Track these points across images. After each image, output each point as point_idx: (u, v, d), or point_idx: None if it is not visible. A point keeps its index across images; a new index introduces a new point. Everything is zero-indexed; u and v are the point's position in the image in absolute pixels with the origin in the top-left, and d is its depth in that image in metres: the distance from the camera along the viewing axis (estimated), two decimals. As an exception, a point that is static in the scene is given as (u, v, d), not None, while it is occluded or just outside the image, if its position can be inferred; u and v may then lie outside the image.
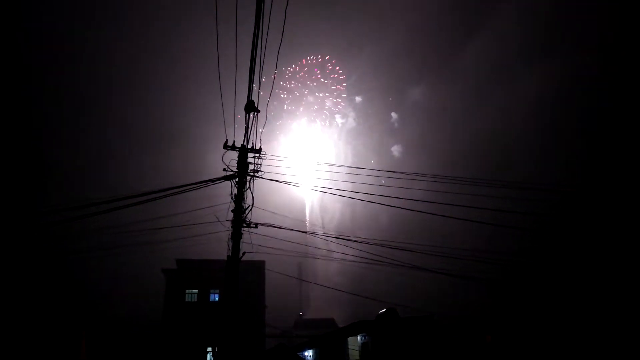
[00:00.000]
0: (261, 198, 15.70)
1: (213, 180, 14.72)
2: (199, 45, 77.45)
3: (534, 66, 72.53)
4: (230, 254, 14.64)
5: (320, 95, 77.63)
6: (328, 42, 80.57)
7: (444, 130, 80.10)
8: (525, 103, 70.17)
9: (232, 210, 14.94)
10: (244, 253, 14.77)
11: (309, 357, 39.50)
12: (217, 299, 44.10)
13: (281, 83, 77.49)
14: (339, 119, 79.80)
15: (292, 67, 77.43)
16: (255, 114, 13.87)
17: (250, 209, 15.03)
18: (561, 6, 70.31)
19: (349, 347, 33.57)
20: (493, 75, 78.30)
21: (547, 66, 69.70)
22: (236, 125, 15.09)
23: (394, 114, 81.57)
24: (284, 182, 16.31)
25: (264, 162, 15.64)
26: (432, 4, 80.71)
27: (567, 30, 70.50)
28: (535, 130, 69.00)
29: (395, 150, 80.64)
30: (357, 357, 32.38)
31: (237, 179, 14.92)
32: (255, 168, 15.49)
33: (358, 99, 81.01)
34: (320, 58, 77.84)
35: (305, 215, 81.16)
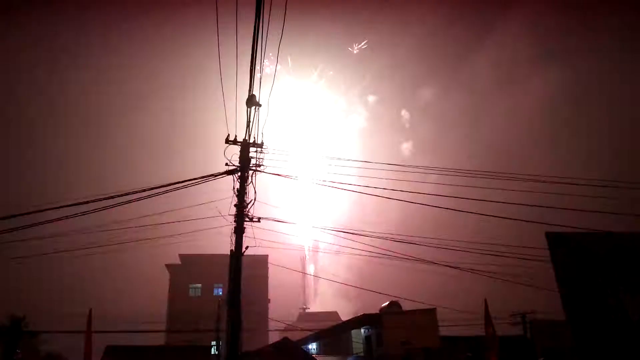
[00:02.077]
0: (264, 192, 15.69)
1: (215, 175, 14.71)
2: (199, 41, 77.24)
3: (544, 69, 73.31)
4: (233, 249, 14.65)
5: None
6: (342, 42, 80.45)
7: (454, 130, 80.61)
8: (535, 105, 70.77)
9: (235, 205, 14.92)
10: (247, 247, 14.76)
11: (313, 351, 39.63)
12: (220, 293, 44.25)
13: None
14: (352, 118, 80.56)
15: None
16: (257, 108, 13.83)
17: (253, 203, 15.02)
18: (570, 11, 71.11)
19: (353, 339, 33.68)
20: (504, 78, 79.03)
21: (556, 69, 70.53)
22: (237, 120, 15.04)
23: (404, 113, 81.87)
24: (286, 177, 16.30)
25: (267, 156, 15.61)
26: (445, 8, 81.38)
27: (576, 35, 71.61)
28: (545, 131, 69.69)
29: (406, 148, 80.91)
30: (361, 350, 32.49)
31: (239, 174, 14.90)
32: (257, 162, 15.46)
33: (371, 97, 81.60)
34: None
35: (308, 211, 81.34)
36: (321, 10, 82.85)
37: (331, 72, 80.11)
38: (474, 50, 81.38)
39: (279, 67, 77.34)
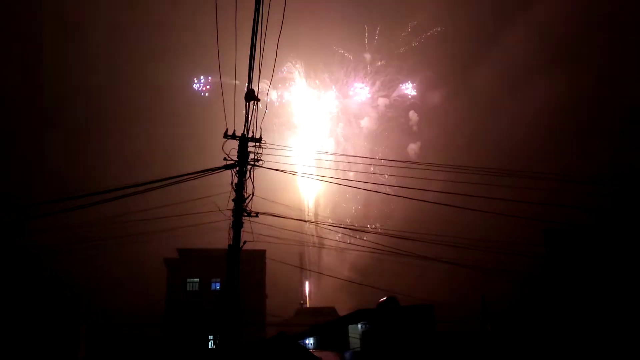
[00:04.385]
0: (263, 187, 15.65)
1: (213, 170, 14.68)
2: (197, 35, 76.92)
3: (552, 74, 74.21)
4: (231, 243, 14.63)
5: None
6: (354, 48, 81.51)
7: (461, 133, 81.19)
8: (542, 109, 71.44)
9: (233, 200, 14.90)
10: (244, 242, 14.76)
11: (310, 345, 39.71)
12: (218, 287, 44.30)
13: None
14: (364, 122, 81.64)
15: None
16: (256, 102, 13.80)
17: (251, 198, 14.99)
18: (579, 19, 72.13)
19: (350, 335, 33.75)
20: (512, 82, 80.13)
21: (564, 75, 71.52)
22: (236, 115, 15.00)
23: (412, 114, 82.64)
24: (285, 171, 16.28)
25: (265, 151, 15.58)
26: (456, 14, 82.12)
27: (588, 41, 72.65)
28: (555, 138, 70.42)
29: (411, 149, 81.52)
30: (358, 345, 32.57)
31: (237, 168, 14.86)
32: (256, 157, 15.42)
33: (381, 100, 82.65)
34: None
35: (307, 205, 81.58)
36: (334, 14, 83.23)
37: (343, 76, 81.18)
38: (483, 56, 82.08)
39: (291, 69, 78.08)
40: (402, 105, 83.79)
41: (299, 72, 79.54)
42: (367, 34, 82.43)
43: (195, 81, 76.77)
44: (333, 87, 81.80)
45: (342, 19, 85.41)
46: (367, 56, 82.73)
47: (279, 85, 77.98)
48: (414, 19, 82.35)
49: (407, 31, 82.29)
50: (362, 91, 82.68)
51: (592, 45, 72.86)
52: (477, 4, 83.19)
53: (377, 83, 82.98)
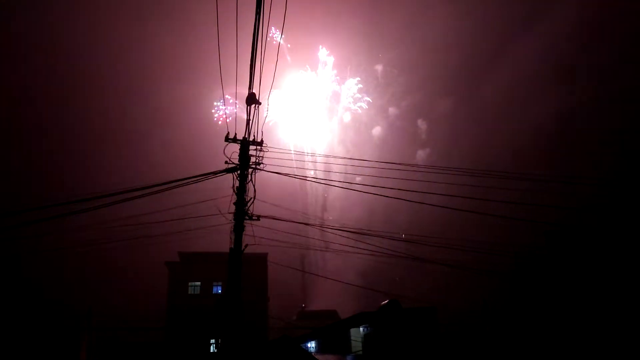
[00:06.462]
0: (264, 190, 15.66)
1: (215, 173, 14.69)
2: (198, 35, 77.18)
3: (560, 85, 75.08)
4: (232, 247, 14.63)
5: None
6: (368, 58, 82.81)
7: (469, 140, 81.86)
8: (548, 116, 72.11)
9: (234, 203, 14.90)
10: (246, 245, 14.76)
11: (312, 348, 39.63)
12: (220, 291, 44.26)
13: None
14: (375, 131, 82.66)
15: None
16: (257, 106, 13.83)
17: (252, 202, 15.00)
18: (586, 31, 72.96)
19: (352, 338, 33.69)
20: (520, 92, 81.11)
21: (572, 85, 72.41)
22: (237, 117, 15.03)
23: (421, 123, 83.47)
24: (286, 175, 16.30)
25: (266, 154, 15.59)
26: (466, 16, 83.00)
27: (591, 54, 73.59)
28: (558, 144, 71.00)
29: (419, 156, 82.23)
30: (360, 348, 32.49)
31: (238, 172, 14.87)
32: (257, 160, 15.44)
33: (391, 109, 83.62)
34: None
35: (308, 208, 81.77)
36: (345, 29, 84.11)
37: (357, 85, 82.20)
38: (494, 65, 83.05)
39: (304, 74, 78.57)
40: (411, 115, 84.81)
41: (310, 79, 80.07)
42: (377, 47, 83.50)
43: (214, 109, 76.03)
44: (345, 95, 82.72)
45: (353, 33, 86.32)
46: (379, 68, 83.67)
47: (288, 91, 78.55)
48: (424, 34, 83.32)
49: (416, 47, 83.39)
50: (373, 100, 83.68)
51: (594, 56, 73.87)
52: (485, 18, 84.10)
53: (388, 93, 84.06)
